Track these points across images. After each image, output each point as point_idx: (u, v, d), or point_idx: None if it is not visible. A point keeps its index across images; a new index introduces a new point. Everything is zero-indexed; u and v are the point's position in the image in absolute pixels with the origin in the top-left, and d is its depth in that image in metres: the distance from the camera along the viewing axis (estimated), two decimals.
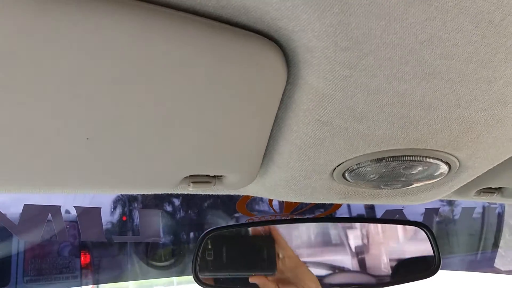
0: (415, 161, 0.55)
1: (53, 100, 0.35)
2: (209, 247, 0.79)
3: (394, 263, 0.84)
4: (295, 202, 0.84)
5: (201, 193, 0.64)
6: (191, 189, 0.57)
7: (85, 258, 5.25)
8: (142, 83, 0.36)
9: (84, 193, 0.59)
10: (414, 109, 0.43)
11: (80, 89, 0.35)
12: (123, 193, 0.62)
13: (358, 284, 0.86)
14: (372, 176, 0.58)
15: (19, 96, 0.34)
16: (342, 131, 0.47)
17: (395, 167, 0.56)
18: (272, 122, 0.47)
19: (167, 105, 0.40)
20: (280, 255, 0.80)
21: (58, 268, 5.24)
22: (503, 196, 0.78)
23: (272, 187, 0.63)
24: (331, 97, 0.41)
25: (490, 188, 0.76)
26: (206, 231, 0.77)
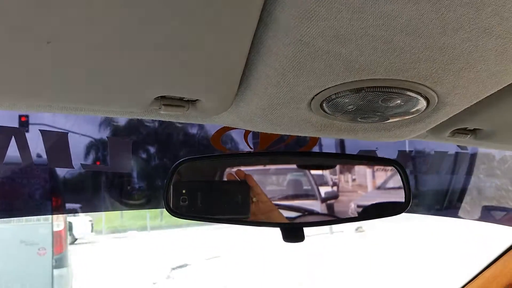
0: (395, 93, 0.54)
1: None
2: (183, 191, 0.79)
3: (364, 205, 0.86)
4: (270, 139, 0.83)
5: (174, 119, 0.62)
6: (163, 112, 0.55)
7: (56, 201, 5.75)
8: None
9: (48, 111, 0.56)
10: (398, 33, 0.42)
11: None
12: (89, 114, 0.59)
13: (327, 220, 0.89)
14: (350, 107, 0.57)
15: None
16: (324, 55, 0.45)
17: (374, 98, 0.55)
18: (250, 42, 0.44)
19: (137, 14, 0.37)
20: (254, 200, 0.81)
21: (29, 210, 5.73)
22: (477, 138, 0.78)
23: (248, 116, 0.61)
24: (315, 14, 0.39)
25: (465, 129, 0.77)
26: (178, 161, 0.76)
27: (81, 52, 0.42)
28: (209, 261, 11.28)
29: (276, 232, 0.77)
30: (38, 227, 5.64)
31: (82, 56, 0.43)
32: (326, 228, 14.70)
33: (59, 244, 5.73)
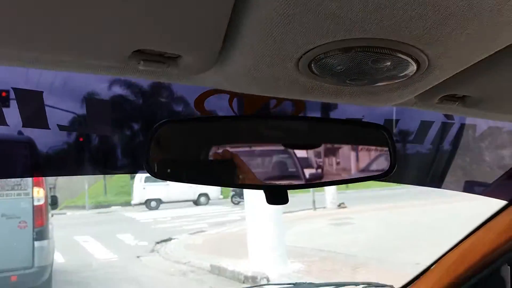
0: (385, 54, 0.52)
1: None
2: (168, 171, 0.76)
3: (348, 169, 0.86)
4: (256, 105, 0.80)
5: (154, 78, 0.59)
6: (142, 68, 0.52)
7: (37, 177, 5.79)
8: None
9: (19, 65, 0.53)
10: None
11: None
12: (64, 69, 0.56)
13: (311, 183, 0.88)
14: (339, 68, 0.55)
15: None
16: (313, 9, 0.43)
17: (364, 59, 0.53)
18: None
19: None
20: (241, 177, 0.79)
21: (10, 185, 5.79)
22: (465, 105, 0.78)
23: (233, 75, 0.59)
24: None
25: (454, 96, 0.75)
26: (158, 123, 0.73)
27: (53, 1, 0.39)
28: (194, 235, 11.37)
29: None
30: (20, 201, 5.82)
31: (58, 3, 0.40)
32: (309, 205, 15.07)
33: (40, 218, 5.87)
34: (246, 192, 7.02)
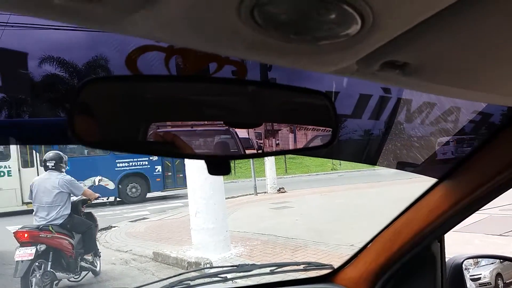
0: (331, 3, 0.50)
1: None
2: (98, 139, 0.68)
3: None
4: (195, 66, 0.75)
5: (71, 20, 0.52)
6: (58, 1, 0.45)
7: None
8: None
9: None
10: None
11: None
12: None
13: (252, 153, 0.86)
14: (283, 17, 0.52)
15: None
16: None
17: (309, 7, 0.51)
18: None
19: None
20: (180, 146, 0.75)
21: None
22: (405, 73, 0.78)
23: (167, 21, 0.53)
24: None
25: (394, 63, 0.75)
26: (83, 81, 0.64)
27: None
28: (135, 223, 11.12)
29: None
30: None
31: None
32: (251, 190, 15.26)
33: None
34: (188, 176, 6.92)
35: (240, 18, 0.52)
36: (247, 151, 0.77)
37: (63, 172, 5.84)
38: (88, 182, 8.61)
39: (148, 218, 11.49)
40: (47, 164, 5.76)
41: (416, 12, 0.54)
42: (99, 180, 6.95)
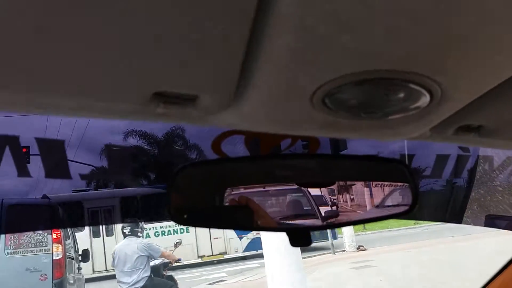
0: (399, 85, 0.52)
1: None
2: (184, 216, 0.76)
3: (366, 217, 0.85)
4: (271, 144, 0.81)
5: (172, 120, 0.60)
6: (160, 111, 0.53)
7: (56, 235, 6.85)
8: None
9: (38, 112, 0.54)
10: (404, 19, 0.40)
11: None
12: (81, 116, 0.57)
13: (332, 224, 0.86)
14: (352, 101, 0.56)
15: None
16: (325, 43, 0.44)
17: (377, 91, 0.54)
18: (247, 31, 0.43)
19: (135, 4, 0.36)
20: (260, 220, 0.79)
21: (33, 243, 6.81)
22: (481, 135, 0.76)
23: (249, 114, 0.59)
24: None
25: (469, 126, 0.75)
26: (178, 168, 0.73)
27: (73, 42, 0.40)
28: (213, 286, 11.10)
29: None
30: (41, 257, 6.75)
31: (74, 47, 0.40)
32: (328, 249, 14.71)
33: (59, 270, 6.77)
34: (263, 238, 6.89)
35: (313, 106, 0.56)
36: (328, 221, 0.79)
37: (140, 236, 6.09)
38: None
39: (225, 280, 11.44)
40: (124, 230, 6.09)
41: (484, 82, 0.54)
42: (178, 242, 7.16)
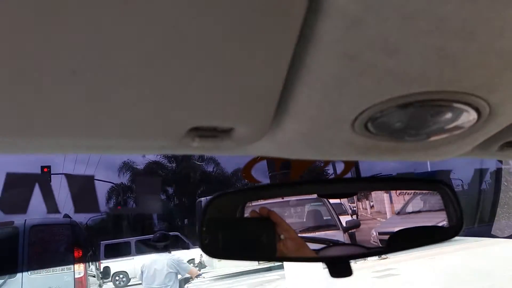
0: (445, 106, 0.49)
1: (29, 26, 0.29)
2: (204, 229, 0.73)
3: (389, 232, 0.80)
4: (303, 168, 0.78)
5: (206, 152, 0.57)
6: (197, 145, 0.50)
7: (78, 253, 7.02)
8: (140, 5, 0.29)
9: (74, 152, 0.52)
10: (452, 39, 0.38)
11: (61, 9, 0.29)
12: (118, 153, 0.56)
13: (372, 252, 0.82)
14: (397, 125, 0.52)
15: None
16: (370, 68, 0.41)
17: (423, 113, 0.50)
18: (288, 60, 0.40)
19: (168, 40, 0.34)
20: (282, 237, 0.75)
21: (56, 262, 6.98)
22: None
23: (286, 142, 0.56)
24: (361, 22, 0.35)
25: None
26: (212, 197, 0.71)
27: (110, 83, 0.38)
28: None
29: None
30: (63, 275, 6.84)
31: (111, 88, 0.39)
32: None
33: None
34: None
35: (354, 131, 0.53)
36: (369, 249, 0.75)
37: (170, 252, 6.07)
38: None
39: None
40: (157, 246, 6.04)
41: None
42: (201, 257, 7.17)
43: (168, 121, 0.47)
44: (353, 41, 0.37)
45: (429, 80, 0.44)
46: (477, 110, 0.51)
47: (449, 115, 0.51)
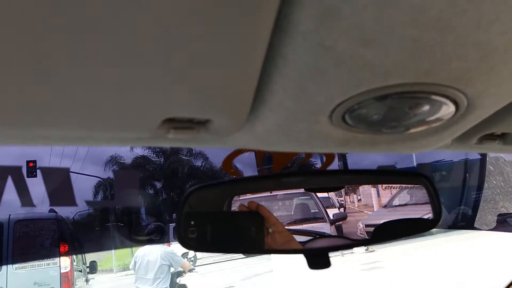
0: (423, 98, 0.49)
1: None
2: (192, 223, 0.73)
3: (375, 224, 0.81)
4: (283, 162, 0.78)
5: (182, 144, 0.57)
6: (171, 136, 0.50)
7: (64, 248, 6.91)
8: None
9: (46, 144, 0.52)
10: (429, 30, 0.37)
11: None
12: (91, 144, 0.55)
13: (350, 243, 0.83)
14: (374, 117, 0.52)
15: None
16: (346, 59, 0.40)
17: (401, 105, 0.50)
18: (264, 51, 0.40)
19: (142, 28, 0.33)
20: (270, 230, 0.75)
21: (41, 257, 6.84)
22: (505, 143, 0.74)
23: (264, 134, 0.56)
24: (337, 12, 0.34)
25: (493, 134, 0.72)
26: (188, 190, 0.71)
27: (82, 74, 0.38)
28: None
29: None
30: (49, 270, 6.79)
31: (80, 77, 0.39)
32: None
33: (67, 283, 6.81)
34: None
35: (332, 123, 0.53)
36: (350, 240, 0.75)
37: (164, 244, 5.98)
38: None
39: (234, 287, 11.43)
40: (154, 238, 5.98)
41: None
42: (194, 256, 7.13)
43: (142, 111, 0.46)
44: (328, 31, 0.37)
45: (406, 72, 0.44)
46: (455, 102, 0.51)
47: (427, 108, 0.51)
